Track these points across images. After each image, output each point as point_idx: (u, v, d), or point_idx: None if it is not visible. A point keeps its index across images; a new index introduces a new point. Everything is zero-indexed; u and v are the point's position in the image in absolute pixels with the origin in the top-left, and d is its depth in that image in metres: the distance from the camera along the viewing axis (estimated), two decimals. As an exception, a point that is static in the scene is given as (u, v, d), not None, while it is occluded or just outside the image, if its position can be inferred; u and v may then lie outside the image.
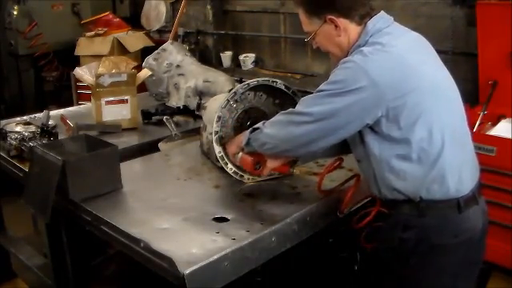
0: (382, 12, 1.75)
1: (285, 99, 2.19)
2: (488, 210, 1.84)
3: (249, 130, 1.89)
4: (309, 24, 1.77)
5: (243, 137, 1.90)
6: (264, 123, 1.83)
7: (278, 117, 1.78)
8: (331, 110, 1.61)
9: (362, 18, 1.70)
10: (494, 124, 3.04)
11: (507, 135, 2.85)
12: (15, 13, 4.88)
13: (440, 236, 1.67)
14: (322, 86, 1.65)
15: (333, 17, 1.69)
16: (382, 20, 1.71)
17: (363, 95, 1.57)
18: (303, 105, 1.69)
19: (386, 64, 1.60)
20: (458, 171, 1.67)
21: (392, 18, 1.76)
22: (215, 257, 1.52)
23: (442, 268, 1.69)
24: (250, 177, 2.08)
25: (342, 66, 1.64)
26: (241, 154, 1.98)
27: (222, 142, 2.11)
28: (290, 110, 1.75)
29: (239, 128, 2.19)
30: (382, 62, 1.60)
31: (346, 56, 1.73)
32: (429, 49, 1.78)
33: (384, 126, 1.61)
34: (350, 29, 1.71)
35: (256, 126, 1.86)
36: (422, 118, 1.61)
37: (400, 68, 1.60)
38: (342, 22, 1.70)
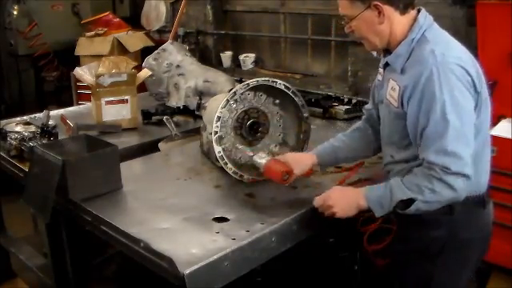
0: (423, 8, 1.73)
1: (285, 99, 2.19)
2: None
3: (389, 202, 1.64)
4: (349, 7, 1.68)
5: (374, 207, 1.66)
6: (411, 191, 1.59)
7: (427, 180, 1.56)
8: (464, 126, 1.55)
9: (406, 8, 1.66)
10: (494, 124, 3.03)
11: (507, 135, 2.85)
12: (15, 13, 4.87)
13: (468, 231, 1.69)
14: (435, 124, 1.55)
15: (378, 2, 1.63)
16: (428, 15, 1.69)
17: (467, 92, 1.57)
18: (441, 154, 1.53)
19: (464, 55, 1.62)
20: (488, 164, 1.71)
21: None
22: (215, 257, 1.52)
23: (466, 262, 1.73)
24: (250, 177, 2.09)
25: (429, 83, 1.55)
26: (265, 161, 1.94)
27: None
28: (435, 170, 1.54)
29: (239, 128, 2.19)
30: (460, 53, 1.62)
31: (385, 47, 1.71)
32: None
33: None
34: (393, 17, 1.65)
35: (404, 198, 1.60)
36: (483, 114, 1.64)
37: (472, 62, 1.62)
38: (387, 9, 1.64)
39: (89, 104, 3.31)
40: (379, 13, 1.64)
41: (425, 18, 1.68)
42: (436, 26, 1.70)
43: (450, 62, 1.56)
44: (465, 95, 1.56)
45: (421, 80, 1.56)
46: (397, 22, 1.66)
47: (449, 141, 1.52)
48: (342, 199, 1.71)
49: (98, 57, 3.82)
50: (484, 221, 1.74)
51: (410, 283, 1.81)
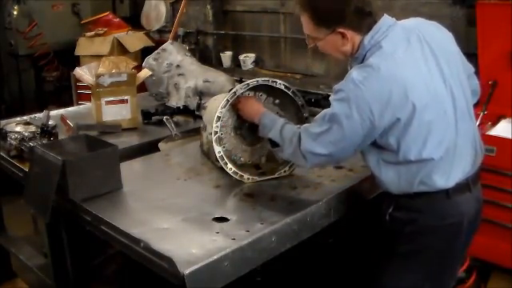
0: (384, 17, 1.74)
1: (285, 99, 2.20)
2: (488, 210, 1.88)
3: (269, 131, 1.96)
4: (314, 30, 1.77)
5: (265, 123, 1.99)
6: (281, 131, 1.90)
7: (295, 143, 1.81)
8: (332, 148, 1.72)
9: (369, 28, 1.71)
10: (494, 124, 3.03)
11: (507, 135, 2.84)
12: (15, 13, 4.87)
13: (427, 218, 1.75)
14: (319, 122, 1.73)
15: (343, 30, 1.71)
16: (379, 31, 1.71)
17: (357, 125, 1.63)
18: (308, 140, 1.75)
19: (379, 93, 1.61)
20: (447, 171, 1.72)
21: (393, 20, 1.75)
22: (215, 257, 1.52)
23: (428, 246, 1.77)
24: (250, 177, 2.09)
25: (335, 97, 1.69)
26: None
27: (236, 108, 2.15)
28: (300, 141, 1.78)
29: (239, 128, 2.20)
30: (374, 90, 1.61)
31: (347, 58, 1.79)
32: (424, 41, 1.72)
33: (382, 139, 1.69)
34: (355, 39, 1.73)
35: (271, 138, 1.95)
36: (428, 135, 1.66)
37: (393, 92, 1.61)
38: (351, 33, 1.72)
39: (89, 104, 3.31)
40: (343, 37, 1.72)
41: (372, 37, 1.70)
42: (387, 42, 1.68)
43: (361, 95, 1.62)
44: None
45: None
46: (358, 40, 1.73)
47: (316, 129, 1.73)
48: (249, 106, 2.08)
49: (98, 57, 3.82)
50: (448, 210, 1.74)
51: (384, 260, 1.87)
